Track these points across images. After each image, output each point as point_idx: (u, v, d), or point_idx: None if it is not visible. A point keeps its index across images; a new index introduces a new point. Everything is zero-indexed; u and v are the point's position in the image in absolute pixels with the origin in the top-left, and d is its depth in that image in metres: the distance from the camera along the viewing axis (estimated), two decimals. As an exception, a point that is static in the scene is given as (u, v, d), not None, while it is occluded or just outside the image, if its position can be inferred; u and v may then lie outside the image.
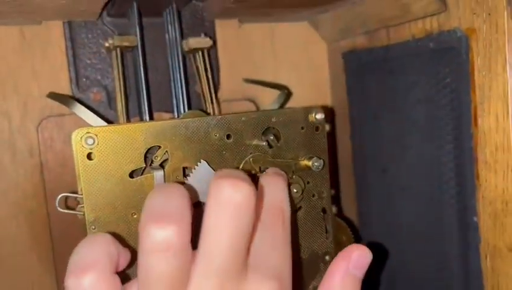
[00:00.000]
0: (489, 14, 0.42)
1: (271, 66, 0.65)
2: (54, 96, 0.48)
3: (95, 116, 0.43)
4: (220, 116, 0.40)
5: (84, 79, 0.54)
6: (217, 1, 0.50)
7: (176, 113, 0.55)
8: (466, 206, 0.48)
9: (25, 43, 0.52)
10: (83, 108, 0.43)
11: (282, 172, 0.40)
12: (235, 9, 0.55)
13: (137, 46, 0.50)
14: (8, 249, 0.52)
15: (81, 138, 0.35)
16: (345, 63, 0.65)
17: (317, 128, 0.44)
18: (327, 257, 0.45)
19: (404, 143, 0.55)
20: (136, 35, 0.50)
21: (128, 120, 0.53)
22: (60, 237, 0.54)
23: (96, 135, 0.35)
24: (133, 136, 0.37)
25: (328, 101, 0.69)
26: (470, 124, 0.47)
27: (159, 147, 0.38)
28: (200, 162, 0.38)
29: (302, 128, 0.44)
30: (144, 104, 0.54)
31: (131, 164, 0.37)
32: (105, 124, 0.43)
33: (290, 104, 0.64)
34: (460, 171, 0.48)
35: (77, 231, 0.53)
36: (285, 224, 0.33)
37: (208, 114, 0.48)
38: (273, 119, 0.42)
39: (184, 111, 0.55)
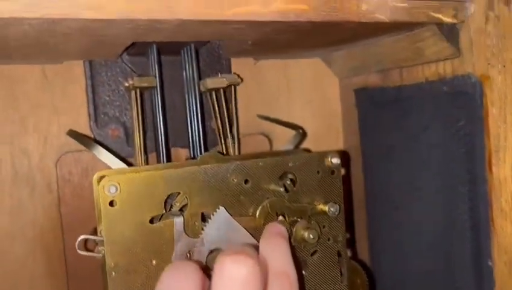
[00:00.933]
0: (503, 66, 0.43)
1: (285, 100, 0.66)
2: (74, 135, 0.49)
3: (114, 157, 0.44)
4: (238, 162, 0.41)
5: (103, 116, 0.55)
6: (234, 43, 0.51)
7: (191, 149, 0.56)
8: (481, 250, 0.48)
9: (46, 82, 0.54)
10: (102, 150, 0.44)
11: (282, 228, 0.40)
12: (251, 50, 0.56)
13: (156, 86, 0.51)
14: (24, 286, 0.52)
15: (104, 186, 0.36)
16: (357, 99, 0.66)
17: (332, 172, 0.45)
18: (342, 301, 0.45)
19: (416, 184, 0.56)
20: (155, 76, 0.52)
21: (145, 156, 0.54)
22: (75, 272, 0.54)
23: (119, 183, 0.36)
24: (154, 183, 0.38)
25: (340, 136, 0.69)
26: (484, 169, 0.47)
27: (179, 193, 0.39)
28: (219, 208, 0.39)
29: (318, 172, 0.44)
30: (161, 141, 0.54)
31: (151, 211, 0.38)
32: (124, 165, 0.44)
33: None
34: (475, 214, 0.49)
35: (93, 267, 0.53)
36: (292, 287, 0.34)
37: (224, 154, 0.49)
38: (290, 164, 0.43)
39: (200, 146, 0.56)
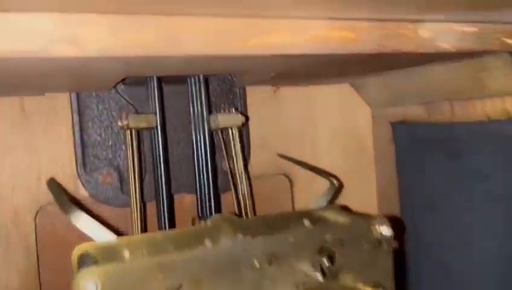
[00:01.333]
0: None
1: (308, 133, 0.57)
2: (53, 189, 0.40)
3: (97, 224, 0.34)
4: (260, 238, 0.31)
5: (92, 158, 0.46)
6: (252, 74, 0.42)
7: (198, 195, 0.46)
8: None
9: (24, 117, 0.44)
10: (83, 217, 0.34)
11: None
12: (270, 79, 0.47)
13: (156, 126, 0.42)
14: None
15: (79, 283, 0.26)
16: (394, 133, 0.56)
17: (380, 244, 0.35)
18: None
19: (472, 242, 0.46)
20: (155, 112, 0.42)
21: (142, 204, 0.45)
22: None
23: (100, 278, 0.26)
24: (149, 275, 0.28)
25: (372, 176, 0.59)
26: None
27: (181, 285, 0.29)
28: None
29: (363, 244, 0.34)
30: (162, 186, 0.45)
31: (145, 311, 0.28)
32: (110, 234, 0.34)
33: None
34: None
35: None
36: None
37: (241, 217, 0.39)
38: (327, 237, 0.33)
39: (209, 192, 0.46)
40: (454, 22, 0.34)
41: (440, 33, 0.34)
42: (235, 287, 0.30)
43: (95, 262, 0.30)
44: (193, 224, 0.42)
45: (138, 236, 0.35)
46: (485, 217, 0.44)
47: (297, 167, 0.54)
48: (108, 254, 0.31)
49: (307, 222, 0.38)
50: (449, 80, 0.46)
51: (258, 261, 0.31)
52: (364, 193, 0.59)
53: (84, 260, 0.31)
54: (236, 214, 0.37)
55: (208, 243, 0.31)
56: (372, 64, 0.39)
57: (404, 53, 0.33)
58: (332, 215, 0.39)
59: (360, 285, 0.34)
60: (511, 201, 0.42)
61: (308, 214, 0.39)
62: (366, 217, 0.35)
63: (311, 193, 0.56)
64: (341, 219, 0.37)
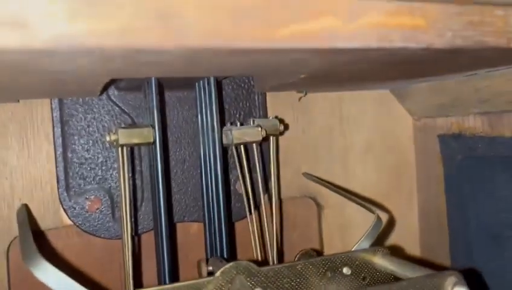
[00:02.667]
0: None
1: (339, 146, 0.48)
2: (21, 224, 0.31)
3: (65, 277, 0.25)
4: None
5: (78, 179, 0.37)
6: (277, 76, 0.33)
7: (206, 225, 0.38)
8: None
9: (-6, 129, 0.36)
10: (51, 271, 0.25)
11: None
12: (297, 83, 0.38)
13: (154, 142, 0.33)
14: None
15: None
16: (442, 148, 0.47)
17: (451, 308, 0.26)
18: None
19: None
20: (153, 125, 0.33)
21: (137, 237, 0.36)
22: None
23: None
24: None
25: (413, 197, 0.50)
26: None
27: None
28: None
29: (429, 310, 0.25)
30: (162, 214, 0.36)
31: None
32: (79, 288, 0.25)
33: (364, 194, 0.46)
34: None
35: None
36: None
37: (260, 264, 0.30)
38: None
39: (219, 220, 0.37)
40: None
41: (538, 21, 0.24)
42: None
43: None
44: (199, 271, 0.33)
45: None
46: None
47: (325, 187, 0.45)
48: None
49: (346, 270, 0.30)
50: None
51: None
52: (404, 220, 0.50)
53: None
54: (255, 261, 0.28)
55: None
56: (439, 65, 0.30)
57: (490, 48, 0.24)
58: (379, 262, 0.30)
59: None
60: None
61: (347, 259, 0.30)
62: (436, 274, 0.26)
63: (342, 219, 0.47)
64: (395, 269, 0.28)
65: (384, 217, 0.48)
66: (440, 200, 0.47)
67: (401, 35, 0.22)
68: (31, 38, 0.16)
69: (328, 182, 0.44)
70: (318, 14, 0.20)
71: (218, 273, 0.27)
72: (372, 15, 0.21)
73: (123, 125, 0.34)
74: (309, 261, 0.29)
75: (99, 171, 0.38)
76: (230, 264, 0.27)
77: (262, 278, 0.28)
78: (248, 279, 0.27)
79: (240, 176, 0.39)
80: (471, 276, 0.44)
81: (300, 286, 0.27)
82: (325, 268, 0.29)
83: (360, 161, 0.49)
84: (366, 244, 0.31)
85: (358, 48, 0.21)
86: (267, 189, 0.42)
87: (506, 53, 0.25)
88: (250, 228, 0.39)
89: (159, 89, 0.35)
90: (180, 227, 0.40)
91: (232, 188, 0.41)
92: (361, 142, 0.49)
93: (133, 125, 0.36)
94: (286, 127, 0.45)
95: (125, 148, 0.32)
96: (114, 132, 0.32)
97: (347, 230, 0.47)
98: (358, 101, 0.48)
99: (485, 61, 0.30)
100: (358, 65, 0.26)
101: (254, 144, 0.37)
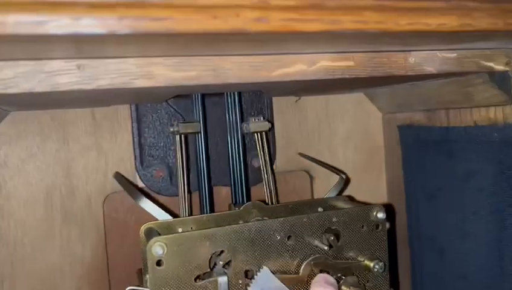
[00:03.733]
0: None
1: (326, 135, 0.66)
2: (119, 180, 0.51)
3: (159, 209, 0.45)
4: (281, 219, 0.41)
5: (148, 157, 0.57)
6: (277, 91, 0.51)
7: (233, 188, 0.56)
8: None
9: (95, 124, 0.56)
10: (148, 201, 0.45)
11: (333, 281, 0.40)
12: (293, 92, 0.56)
13: (200, 131, 0.52)
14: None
15: (151, 247, 0.37)
16: (400, 135, 0.64)
17: (377, 226, 0.44)
18: None
19: (464, 229, 0.54)
20: (199, 120, 0.52)
21: (189, 195, 0.55)
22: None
23: (166, 244, 0.37)
24: (199, 242, 0.38)
25: (382, 173, 0.68)
26: (537, 223, 0.45)
27: (222, 250, 0.39)
28: (262, 268, 0.39)
29: (363, 227, 0.44)
30: (204, 181, 0.55)
31: (196, 269, 0.38)
32: (167, 215, 0.44)
33: (345, 170, 0.65)
34: (527, 268, 0.47)
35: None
36: None
37: (267, 203, 0.49)
38: (334, 219, 0.43)
39: (241, 185, 0.56)
40: (437, 50, 0.43)
41: (425, 59, 0.42)
42: (263, 255, 0.40)
43: (158, 234, 0.41)
44: (229, 209, 0.52)
45: (188, 217, 0.46)
46: (473, 207, 0.53)
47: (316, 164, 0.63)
48: (167, 229, 0.42)
49: (319, 208, 0.48)
50: (444, 93, 0.54)
51: (279, 236, 0.41)
52: (376, 187, 0.68)
53: (150, 233, 0.42)
54: (263, 202, 0.47)
55: (241, 222, 0.41)
56: (370, 82, 0.48)
57: (395, 76, 0.42)
58: (340, 204, 0.48)
59: (359, 258, 0.43)
60: (493, 194, 0.50)
61: (321, 202, 0.49)
62: (366, 205, 0.44)
63: (328, 187, 0.65)
64: (346, 206, 0.46)
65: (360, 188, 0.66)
66: (400, 173, 0.65)
67: (340, 72, 0.40)
68: (155, 83, 0.35)
69: (317, 160, 0.62)
70: (293, 63, 0.38)
71: (241, 208, 0.46)
72: (323, 62, 0.39)
73: (180, 121, 0.53)
74: (296, 202, 0.48)
75: (162, 152, 0.57)
76: (249, 202, 0.46)
77: (268, 212, 0.46)
78: (259, 212, 0.46)
79: (255, 155, 0.58)
80: (391, 211, 0.62)
81: (290, 215, 0.45)
82: (307, 206, 0.48)
83: (341, 146, 0.67)
84: (333, 194, 0.50)
85: (315, 79, 0.39)
86: (272, 164, 0.60)
87: (406, 77, 0.43)
88: (263, 190, 0.58)
89: (203, 99, 0.54)
90: (215, 189, 0.59)
91: (249, 163, 0.60)
92: (343, 131, 0.67)
93: (185, 121, 0.55)
94: (286, 121, 0.63)
95: (182, 135, 0.52)
96: (176, 125, 0.51)
97: (332, 195, 0.66)
98: (340, 101, 0.67)
99: (399, 80, 0.49)
100: (322, 85, 0.45)
101: (264, 133, 0.55)
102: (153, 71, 0.34)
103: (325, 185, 0.65)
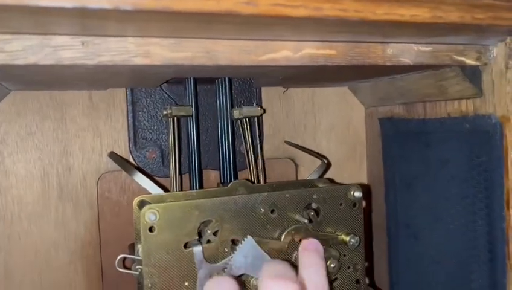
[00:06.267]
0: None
1: (311, 126, 0.69)
2: (115, 158, 0.54)
3: (151, 182, 0.48)
4: (266, 193, 0.44)
5: (141, 139, 0.60)
6: (266, 77, 0.55)
7: (221, 171, 0.59)
8: (497, 284, 0.50)
9: (91, 106, 0.58)
10: (141, 175, 0.48)
11: (319, 246, 0.43)
12: (281, 82, 0.60)
13: (192, 115, 0.55)
14: (65, 293, 0.57)
15: (144, 213, 0.40)
16: (381, 128, 0.68)
17: (354, 205, 0.48)
18: (359, 326, 0.48)
19: (437, 215, 0.58)
20: (191, 105, 0.55)
21: (180, 177, 0.58)
22: (111, 282, 0.58)
23: (158, 211, 0.40)
24: (190, 211, 0.41)
25: (364, 163, 0.72)
26: (502, 207, 0.49)
27: (211, 220, 0.42)
28: (246, 237, 0.42)
29: (341, 204, 0.47)
30: (195, 163, 0.58)
31: (186, 237, 0.41)
32: (160, 190, 0.48)
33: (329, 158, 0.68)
34: (492, 249, 0.50)
35: (127, 279, 0.58)
36: None
37: (253, 183, 0.52)
38: (314, 196, 0.46)
39: (229, 169, 0.59)
40: (413, 43, 0.46)
41: (402, 51, 0.46)
42: (248, 226, 0.43)
43: (151, 206, 0.43)
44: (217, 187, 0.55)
45: (178, 192, 0.49)
46: (446, 194, 0.56)
47: (302, 153, 0.67)
48: (159, 202, 0.45)
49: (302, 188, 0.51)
50: (421, 86, 0.58)
51: (263, 209, 0.44)
52: (357, 178, 0.72)
53: (143, 204, 0.45)
54: (250, 181, 0.51)
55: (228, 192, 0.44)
56: (352, 73, 0.52)
57: (373, 66, 0.45)
58: (321, 185, 0.52)
59: (337, 233, 0.47)
60: (464, 181, 0.54)
61: (303, 183, 0.52)
62: (345, 185, 0.48)
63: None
64: (326, 185, 0.50)
65: (342, 176, 0.70)
66: (380, 164, 0.69)
67: (323, 59, 0.43)
68: (151, 61, 0.38)
69: (301, 146, 0.65)
70: (280, 49, 0.42)
71: (229, 185, 0.49)
72: (307, 49, 0.43)
73: (173, 105, 0.56)
74: (280, 182, 0.51)
75: (154, 134, 0.60)
76: (236, 181, 0.49)
77: (254, 190, 0.50)
78: (245, 189, 0.49)
79: (243, 141, 0.61)
80: (368, 192, 0.66)
81: (274, 191, 0.48)
82: (291, 186, 0.51)
83: (325, 137, 0.70)
84: (314, 176, 0.53)
85: (300, 65, 0.43)
86: (260, 151, 0.64)
87: (384, 68, 0.47)
88: (249, 175, 0.61)
89: (195, 83, 0.57)
90: (204, 173, 0.62)
91: (238, 149, 0.63)
92: (327, 123, 0.71)
93: (178, 105, 0.58)
94: (274, 111, 0.67)
95: (175, 118, 0.55)
96: (169, 108, 0.54)
97: (316, 182, 0.69)
98: (326, 94, 0.70)
99: (378, 71, 0.52)
100: (307, 74, 0.48)
101: (256, 118, 0.59)
102: (150, 50, 0.38)
103: (309, 172, 0.68)
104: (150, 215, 0.40)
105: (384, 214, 0.67)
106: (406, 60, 0.47)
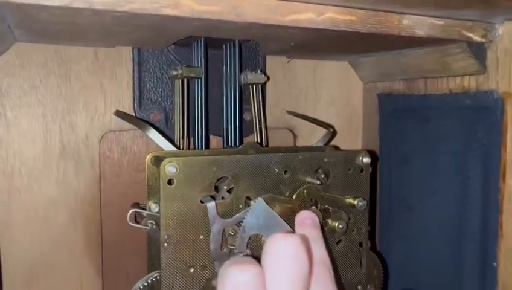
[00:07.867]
0: (527, 87, 0.47)
1: (311, 98, 0.71)
2: (122, 115, 0.53)
3: (165, 140, 0.48)
4: (280, 154, 0.45)
5: (146, 100, 0.59)
6: (277, 43, 0.55)
7: (225, 138, 0.60)
8: (487, 252, 0.53)
9: (97, 64, 0.57)
10: (153, 130, 0.48)
11: (315, 217, 0.44)
12: (287, 50, 0.60)
13: (201, 77, 0.55)
14: (63, 251, 0.56)
15: (164, 166, 0.40)
16: (379, 103, 0.70)
17: (362, 170, 0.49)
18: (359, 287, 0.50)
19: (432, 188, 0.60)
20: (201, 66, 0.55)
21: (184, 140, 0.58)
22: (110, 241, 0.58)
23: (178, 165, 0.40)
24: (208, 167, 0.42)
25: (359, 137, 0.74)
26: (498, 179, 0.51)
27: (227, 177, 0.43)
28: (258, 199, 0.43)
29: (350, 169, 0.48)
30: (201, 127, 0.58)
31: (203, 191, 0.42)
32: (173, 147, 0.48)
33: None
34: (485, 219, 0.53)
35: (125, 238, 0.58)
36: (332, 277, 0.37)
37: (262, 146, 0.53)
38: (325, 160, 0.47)
39: (234, 136, 0.59)
40: (427, 16, 0.48)
41: (416, 23, 0.47)
42: (261, 184, 0.44)
43: (166, 161, 0.44)
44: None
45: (191, 150, 0.49)
46: (443, 167, 0.59)
47: (300, 124, 0.68)
48: (173, 157, 0.45)
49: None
50: (423, 62, 0.60)
51: (277, 169, 0.45)
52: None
53: (157, 160, 0.45)
54: (259, 144, 0.51)
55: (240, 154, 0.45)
56: (366, 43, 0.53)
57: (390, 35, 0.47)
58: (329, 149, 0.53)
59: (345, 196, 0.48)
60: (461, 156, 0.56)
61: (311, 148, 0.53)
62: (354, 151, 0.49)
63: (310, 144, 0.70)
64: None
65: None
66: (375, 140, 0.71)
67: (344, 24, 0.44)
68: (179, 12, 0.38)
69: (305, 116, 0.66)
70: (304, 11, 0.42)
71: (240, 147, 0.49)
72: (329, 13, 0.43)
73: (178, 67, 0.56)
74: (288, 147, 0.52)
75: (159, 96, 0.60)
76: (246, 143, 0.50)
77: (264, 151, 0.50)
78: (255, 151, 0.50)
79: (252, 107, 0.61)
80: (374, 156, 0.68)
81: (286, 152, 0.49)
82: (300, 151, 0.52)
83: (325, 110, 0.72)
84: (320, 144, 0.55)
85: (321, 29, 0.43)
86: (264, 119, 0.64)
87: (400, 38, 0.48)
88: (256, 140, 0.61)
89: (205, 45, 0.57)
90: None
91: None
92: (327, 96, 0.72)
93: (190, 66, 0.57)
94: (277, 81, 0.67)
95: (185, 80, 0.54)
96: (179, 68, 0.54)
97: (313, 154, 0.71)
98: (327, 68, 0.71)
99: (388, 44, 0.54)
100: (323, 39, 0.49)
101: (260, 85, 0.59)
102: (180, 1, 0.37)
103: (306, 144, 0.70)
104: (170, 168, 0.40)
105: (377, 186, 0.69)
106: (419, 32, 0.48)
